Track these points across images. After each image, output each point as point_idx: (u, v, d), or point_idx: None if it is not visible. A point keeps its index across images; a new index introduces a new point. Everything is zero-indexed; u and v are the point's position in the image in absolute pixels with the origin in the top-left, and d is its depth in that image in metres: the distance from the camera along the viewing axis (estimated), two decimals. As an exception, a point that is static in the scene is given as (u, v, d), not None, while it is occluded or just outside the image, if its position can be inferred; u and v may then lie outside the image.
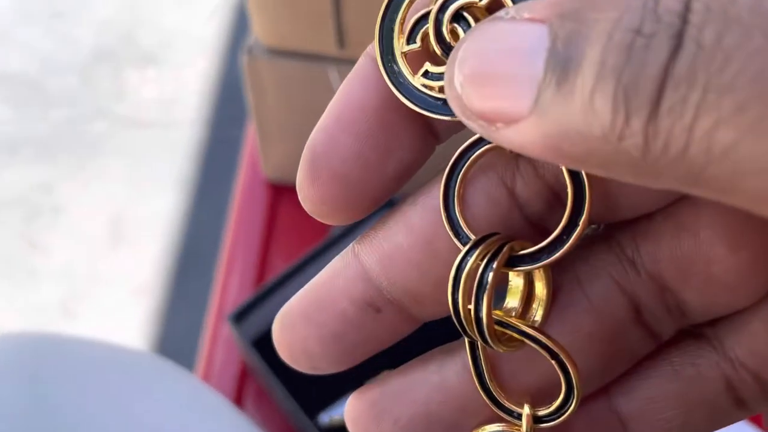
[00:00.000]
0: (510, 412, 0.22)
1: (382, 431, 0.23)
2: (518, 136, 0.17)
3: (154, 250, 1.13)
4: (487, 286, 0.20)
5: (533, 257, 0.21)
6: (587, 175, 0.20)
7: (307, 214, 0.22)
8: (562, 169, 0.20)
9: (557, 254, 0.20)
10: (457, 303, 0.20)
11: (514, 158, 0.21)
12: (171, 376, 0.47)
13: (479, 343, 0.21)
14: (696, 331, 0.22)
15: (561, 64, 0.17)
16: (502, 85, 0.17)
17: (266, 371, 0.61)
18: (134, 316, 1.09)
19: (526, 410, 0.22)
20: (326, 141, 0.21)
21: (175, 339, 1.06)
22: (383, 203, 0.22)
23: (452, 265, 0.20)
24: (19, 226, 1.17)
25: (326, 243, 0.65)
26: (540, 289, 0.21)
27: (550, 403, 0.21)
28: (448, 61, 0.18)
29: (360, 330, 0.22)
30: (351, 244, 0.23)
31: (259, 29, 0.62)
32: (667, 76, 0.16)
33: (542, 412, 0.21)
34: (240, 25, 1.29)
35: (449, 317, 0.21)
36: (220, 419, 0.46)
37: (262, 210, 0.73)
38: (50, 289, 1.12)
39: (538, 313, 0.21)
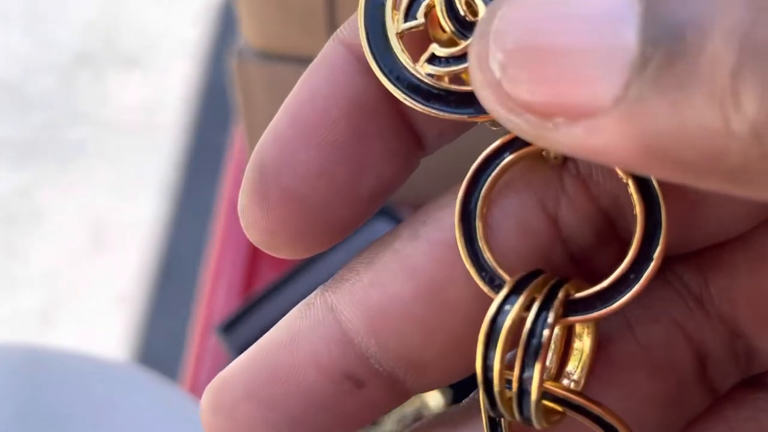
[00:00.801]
0: None
1: None
2: (592, 136, 0.12)
3: (136, 258, 1.12)
4: (541, 347, 0.15)
5: (588, 304, 0.15)
6: (663, 192, 0.15)
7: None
8: (628, 184, 0.15)
9: (623, 299, 0.15)
10: (491, 370, 0.15)
11: (557, 171, 0.16)
12: (156, 389, 0.46)
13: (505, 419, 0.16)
14: (751, 379, 0.18)
15: (669, 32, 0.12)
16: (569, 63, 0.12)
17: (255, 384, 0.60)
18: (116, 325, 1.07)
19: None
20: (278, 153, 0.16)
21: (157, 349, 1.05)
22: (354, 231, 0.17)
23: (482, 318, 0.15)
24: (-2, 232, 1.15)
25: (317, 251, 0.64)
26: (584, 340, 0.17)
27: None
28: (476, 36, 0.13)
29: (331, 411, 0.16)
30: (319, 290, 0.17)
31: (248, 31, 0.61)
32: None
33: None
34: (225, 28, 1.27)
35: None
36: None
37: (249, 217, 0.71)
38: (29, 297, 1.10)
39: (577, 372, 0.17)
